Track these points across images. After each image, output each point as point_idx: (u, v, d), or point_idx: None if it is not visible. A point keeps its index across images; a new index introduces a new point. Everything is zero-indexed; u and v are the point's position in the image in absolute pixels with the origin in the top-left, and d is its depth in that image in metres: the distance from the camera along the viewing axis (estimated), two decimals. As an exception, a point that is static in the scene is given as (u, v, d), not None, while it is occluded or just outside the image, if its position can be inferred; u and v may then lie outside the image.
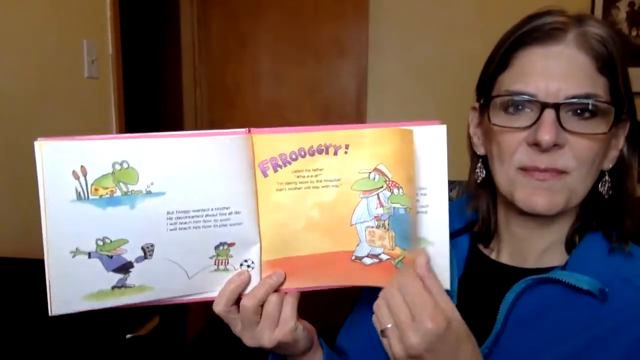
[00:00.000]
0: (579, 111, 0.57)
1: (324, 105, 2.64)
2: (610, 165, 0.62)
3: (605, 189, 0.62)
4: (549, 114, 0.56)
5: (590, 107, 0.57)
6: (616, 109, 0.58)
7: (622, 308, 0.56)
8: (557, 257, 0.64)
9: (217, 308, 0.57)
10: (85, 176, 0.50)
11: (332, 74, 2.62)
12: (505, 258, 0.68)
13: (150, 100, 2.77)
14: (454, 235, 0.70)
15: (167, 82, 2.74)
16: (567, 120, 0.57)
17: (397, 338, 0.50)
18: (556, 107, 0.56)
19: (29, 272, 1.16)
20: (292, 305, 0.58)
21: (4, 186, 1.38)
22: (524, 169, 0.59)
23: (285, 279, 0.58)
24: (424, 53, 2.49)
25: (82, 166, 0.50)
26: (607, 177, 0.62)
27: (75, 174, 0.50)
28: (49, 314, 0.52)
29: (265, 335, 0.58)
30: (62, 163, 0.49)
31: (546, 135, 0.55)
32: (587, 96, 0.57)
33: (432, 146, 0.53)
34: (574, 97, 0.56)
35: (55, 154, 0.49)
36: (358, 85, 2.58)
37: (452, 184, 1.85)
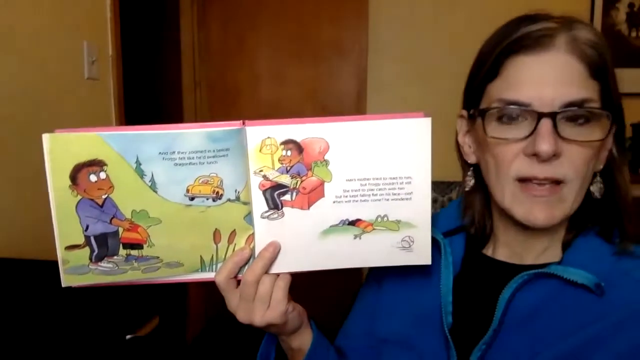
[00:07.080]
0: (574, 118, 0.56)
1: (324, 106, 2.63)
2: (601, 167, 0.62)
3: (597, 188, 0.61)
4: (546, 123, 0.55)
5: (586, 113, 0.56)
6: (612, 113, 0.57)
7: (620, 304, 0.55)
8: (556, 255, 0.64)
9: (218, 278, 0.59)
10: None
11: (332, 75, 2.62)
12: (502, 256, 0.68)
13: (150, 101, 2.76)
14: (450, 233, 0.71)
15: (167, 82, 2.74)
16: (563, 128, 0.56)
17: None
18: (553, 116, 0.55)
19: (29, 272, 1.16)
20: (283, 289, 0.60)
21: (5, 186, 1.38)
22: (521, 180, 0.59)
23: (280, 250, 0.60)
24: (424, 54, 2.49)
25: None
26: (598, 178, 0.62)
27: None
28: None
29: (257, 314, 0.60)
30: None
31: (545, 145, 0.55)
32: (583, 102, 0.56)
33: (416, 138, 0.56)
34: (570, 105, 0.56)
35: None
36: (358, 86, 2.58)
37: (452, 185, 1.86)
